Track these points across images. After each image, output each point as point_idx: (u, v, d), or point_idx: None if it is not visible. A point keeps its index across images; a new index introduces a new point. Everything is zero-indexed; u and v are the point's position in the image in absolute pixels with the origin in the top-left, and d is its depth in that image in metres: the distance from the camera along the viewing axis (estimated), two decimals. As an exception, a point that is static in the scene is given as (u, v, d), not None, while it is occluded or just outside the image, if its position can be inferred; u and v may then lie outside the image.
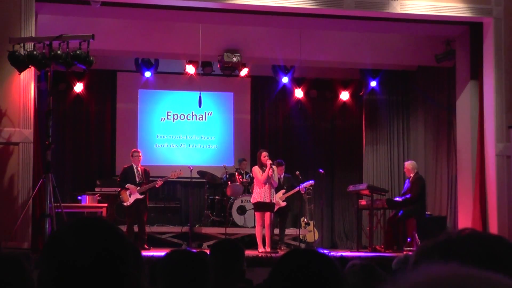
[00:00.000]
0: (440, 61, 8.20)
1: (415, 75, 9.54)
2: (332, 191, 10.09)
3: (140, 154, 7.81)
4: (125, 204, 7.56)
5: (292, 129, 10.37)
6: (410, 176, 7.68)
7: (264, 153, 6.95)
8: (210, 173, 9.09)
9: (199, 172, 8.93)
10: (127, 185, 7.60)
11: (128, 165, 7.88)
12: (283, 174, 8.13)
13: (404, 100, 9.82)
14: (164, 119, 9.97)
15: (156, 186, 7.75)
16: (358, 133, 10.10)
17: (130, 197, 7.53)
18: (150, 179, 7.88)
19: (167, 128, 10.00)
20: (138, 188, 7.57)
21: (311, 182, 8.22)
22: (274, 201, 6.85)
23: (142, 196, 7.54)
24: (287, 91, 9.87)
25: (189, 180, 8.55)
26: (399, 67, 9.28)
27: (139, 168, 7.76)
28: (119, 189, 7.76)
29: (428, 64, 8.70)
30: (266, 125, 10.37)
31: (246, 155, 9.83)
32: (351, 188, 8.10)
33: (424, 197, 7.77)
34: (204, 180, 9.06)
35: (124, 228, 7.09)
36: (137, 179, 7.67)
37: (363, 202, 8.03)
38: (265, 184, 6.80)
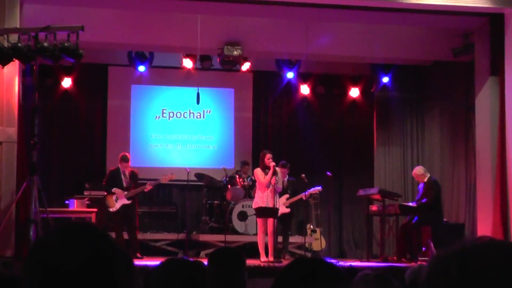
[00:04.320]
0: (458, 55, 8.16)
1: (430, 71, 9.43)
2: (341, 196, 10.04)
3: (129, 158, 7.71)
4: (111, 210, 7.48)
5: (298, 129, 10.31)
6: (424, 181, 7.65)
7: (268, 155, 6.91)
8: (209, 176, 9.03)
9: (197, 175, 8.89)
10: (113, 190, 7.53)
11: (115, 168, 7.84)
12: (287, 177, 8.09)
13: (419, 97, 9.76)
14: (159, 117, 9.94)
15: (145, 190, 7.65)
16: (368, 133, 10.03)
17: (116, 202, 7.46)
18: (140, 182, 7.84)
19: (162, 127, 9.97)
20: (126, 192, 7.52)
21: (319, 188, 8.16)
22: (277, 206, 6.82)
23: (129, 202, 7.47)
24: (292, 88, 9.83)
25: (186, 183, 8.48)
26: (413, 61, 9.20)
27: (126, 171, 7.69)
28: (105, 193, 7.70)
29: (444, 58, 8.64)
30: (270, 124, 10.32)
31: (248, 156, 9.80)
32: (361, 192, 8.06)
33: (440, 203, 7.73)
34: (202, 183, 9.00)
35: (113, 235, 7.11)
36: (124, 183, 7.62)
37: (374, 207, 7.98)
38: (267, 188, 6.78)
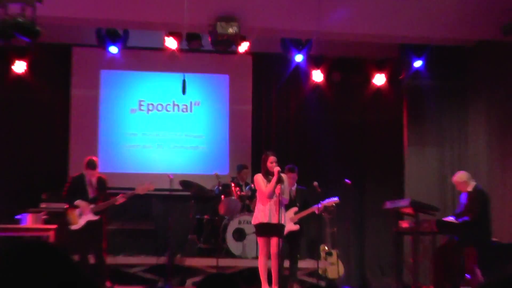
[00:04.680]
0: (508, 33, 8.19)
1: (474, 53, 9.33)
2: (363, 209, 10.09)
3: (97, 163, 7.66)
4: (73, 227, 7.36)
5: (308, 125, 10.31)
6: (467, 191, 7.65)
7: (272, 158, 6.90)
8: (197, 184, 9.01)
9: (182, 183, 8.86)
10: (77, 202, 7.42)
11: (78, 174, 7.70)
12: (296, 185, 8.08)
13: (460, 85, 9.64)
14: (136, 110, 10.00)
15: (117, 203, 7.56)
16: (397, 131, 10.03)
17: (80, 218, 7.35)
18: (111, 192, 7.79)
19: (139, 122, 10.03)
20: (92, 206, 7.41)
21: (335, 199, 8.08)
22: (283, 222, 6.77)
23: (97, 217, 7.37)
24: (301, 74, 9.91)
25: (169, 193, 8.52)
26: (453, 41, 9.09)
27: (93, 179, 7.59)
28: (66, 206, 7.56)
29: (491, 37, 8.65)
30: (273, 119, 10.30)
31: (246, 159, 9.80)
32: (388, 205, 8.08)
33: (488, 218, 7.63)
34: (189, 193, 9.00)
35: (77, 259, 7.05)
36: (91, 194, 7.51)
37: (404, 224, 8.00)
38: (271, 199, 6.77)
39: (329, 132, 10.26)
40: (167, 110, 10.07)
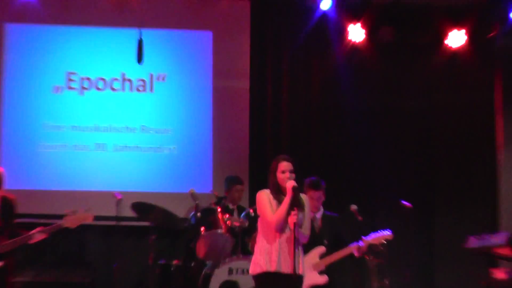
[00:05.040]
0: None
1: None
2: (432, 248, 10.01)
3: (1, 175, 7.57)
4: None
5: (341, 113, 10.24)
6: None
7: (284, 164, 6.70)
8: (161, 209, 8.76)
9: (137, 206, 8.63)
10: (-34, 239, 7.62)
11: None
12: (321, 210, 8.03)
13: None
14: (62, 88, 9.85)
15: (30, 242, 7.31)
16: (485, 121, 10.10)
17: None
18: (20, 221, 7.50)
19: (67, 108, 9.91)
20: (-7, 246, 7.67)
21: (386, 234, 7.98)
22: (300, 272, 6.54)
23: (1, 263, 7.17)
24: (329, 30, 9.77)
25: (115, 223, 8.45)
26: None
27: None
28: None
29: None
30: (284, 103, 10.19)
31: (241, 169, 9.70)
32: (473, 242, 7.93)
33: None
34: (148, 223, 8.76)
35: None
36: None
37: (499, 273, 7.83)
38: (281, 233, 6.59)
39: (374, 125, 10.15)
40: (112, 89, 9.91)
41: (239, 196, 9.08)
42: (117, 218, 8.40)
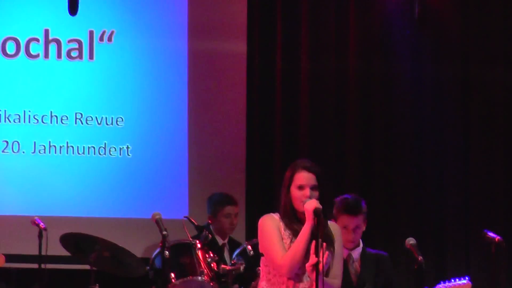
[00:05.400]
0: None
1: None
2: None
3: None
4: None
5: (391, 92, 10.45)
6: None
7: (304, 175, 6.73)
8: (110, 245, 8.65)
9: (70, 240, 8.60)
10: None
11: None
12: (361, 246, 7.99)
13: None
14: None
15: None
16: None
17: None
18: None
19: None
20: None
21: (462, 282, 7.92)
22: None
23: None
24: None
25: (37, 266, 8.55)
26: None
27: None
28: None
29: None
30: (302, 75, 10.21)
31: (235, 181, 9.90)
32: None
33: None
34: (89, 266, 8.66)
35: None
36: None
37: None
38: (295, 283, 6.62)
39: (442, 109, 10.34)
40: (28, 55, 10.02)
41: (231, 224, 9.10)
42: (41, 259, 8.37)
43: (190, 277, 8.58)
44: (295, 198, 6.73)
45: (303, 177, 6.78)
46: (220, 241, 9.18)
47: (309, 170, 6.78)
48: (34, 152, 10.19)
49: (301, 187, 6.70)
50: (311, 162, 6.85)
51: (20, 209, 9.70)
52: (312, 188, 6.71)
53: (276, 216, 6.78)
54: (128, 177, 10.13)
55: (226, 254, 9.06)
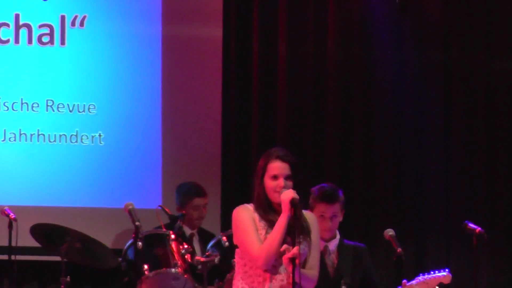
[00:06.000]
0: None
1: None
2: None
3: None
4: None
5: (372, 79, 10.37)
6: None
7: (277, 164, 6.73)
8: (81, 235, 8.69)
9: (40, 230, 8.68)
10: None
11: None
12: (337, 237, 7.99)
13: None
14: None
15: None
16: None
17: None
18: None
19: None
20: None
21: (441, 274, 7.94)
22: None
23: None
24: None
25: (7, 257, 8.65)
26: None
27: None
28: None
29: None
30: (280, 60, 10.17)
31: (210, 169, 9.87)
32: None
33: None
34: (59, 258, 8.68)
35: None
36: None
37: None
38: (271, 276, 6.60)
39: (427, 97, 10.40)
40: None
41: (199, 215, 9.19)
42: (10, 250, 8.34)
43: (164, 269, 8.61)
44: (269, 188, 6.74)
45: (277, 167, 6.78)
46: (187, 231, 9.29)
47: (282, 159, 6.80)
48: (4, 140, 10.23)
49: (275, 177, 6.72)
50: (285, 150, 6.89)
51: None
52: (286, 178, 6.72)
53: (250, 207, 6.77)
54: (101, 165, 10.21)
55: (197, 245, 9.26)
